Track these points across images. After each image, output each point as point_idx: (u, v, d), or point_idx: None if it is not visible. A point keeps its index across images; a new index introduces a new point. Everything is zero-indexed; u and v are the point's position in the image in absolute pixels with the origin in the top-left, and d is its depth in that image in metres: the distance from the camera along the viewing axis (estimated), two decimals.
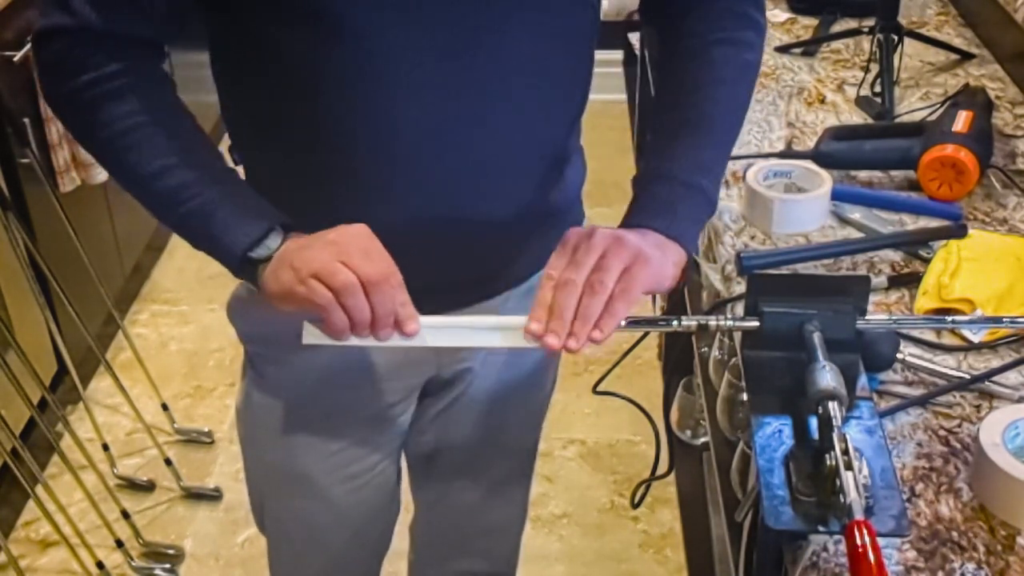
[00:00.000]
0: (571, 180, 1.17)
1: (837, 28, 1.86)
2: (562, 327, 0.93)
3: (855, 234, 1.29)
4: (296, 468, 1.25)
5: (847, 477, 0.80)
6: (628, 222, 1.02)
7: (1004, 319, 1.03)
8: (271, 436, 1.25)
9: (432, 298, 0.98)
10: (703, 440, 1.97)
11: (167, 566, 2.05)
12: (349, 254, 0.93)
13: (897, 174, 1.40)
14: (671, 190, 1.02)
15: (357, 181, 1.04)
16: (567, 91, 1.09)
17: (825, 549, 0.87)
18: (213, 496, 2.23)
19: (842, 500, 0.80)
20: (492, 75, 1.01)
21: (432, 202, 1.05)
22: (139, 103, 0.98)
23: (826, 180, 1.31)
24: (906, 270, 1.21)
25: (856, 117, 1.57)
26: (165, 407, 2.35)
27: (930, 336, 1.11)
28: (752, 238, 1.28)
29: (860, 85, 1.63)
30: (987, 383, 1.04)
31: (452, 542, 1.46)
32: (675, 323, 0.98)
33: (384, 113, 1.00)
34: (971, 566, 0.86)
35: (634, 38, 3.30)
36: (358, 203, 1.04)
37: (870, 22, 1.69)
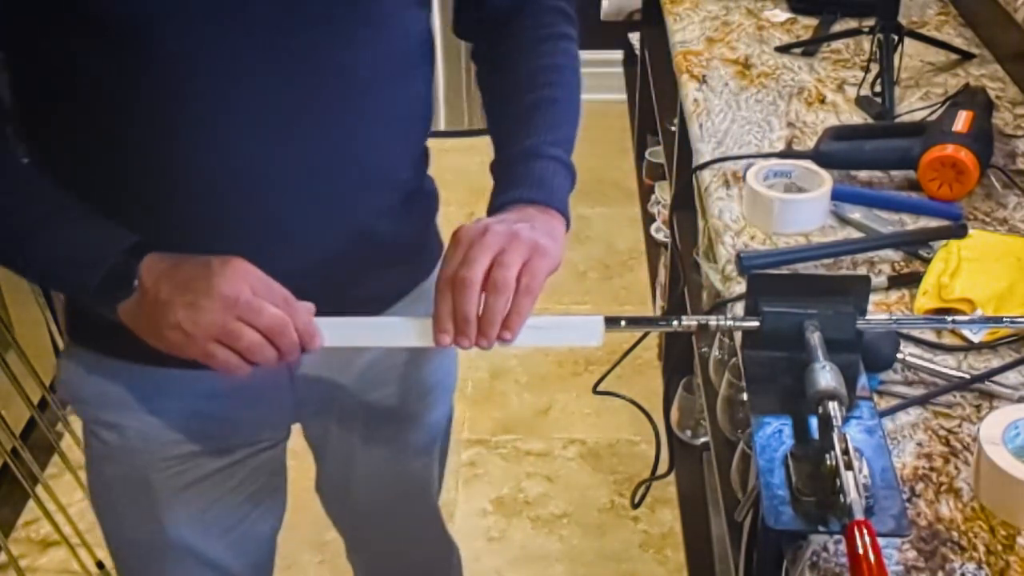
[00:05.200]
0: (419, 213, 1.15)
1: (837, 28, 1.86)
2: (470, 328, 0.91)
3: (855, 234, 1.28)
4: (168, 535, 1.17)
5: (847, 477, 0.80)
6: (505, 197, 1.00)
7: (1004, 319, 1.03)
8: (133, 507, 1.16)
9: None
10: (703, 440, 1.97)
11: None
12: (242, 307, 0.89)
13: (897, 174, 1.40)
14: (541, 164, 1.02)
15: (187, 214, 0.97)
16: (408, 116, 1.07)
17: (825, 549, 0.87)
18: None
19: (842, 500, 0.80)
20: (326, 100, 0.97)
21: (267, 237, 1.00)
22: None
23: (826, 180, 1.31)
24: (906, 270, 1.21)
25: (856, 117, 1.57)
26: None
27: (930, 336, 1.11)
28: (752, 238, 1.28)
29: (860, 85, 1.63)
30: (987, 383, 1.04)
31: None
32: (675, 323, 0.98)
33: (208, 143, 0.94)
34: (971, 566, 0.86)
35: (634, 38, 3.30)
36: (186, 237, 0.96)
37: (870, 22, 1.69)
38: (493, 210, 1.01)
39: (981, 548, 0.87)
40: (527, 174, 1.01)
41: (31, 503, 2.08)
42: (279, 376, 1.13)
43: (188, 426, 1.12)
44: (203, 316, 0.89)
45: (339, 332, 0.97)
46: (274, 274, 0.95)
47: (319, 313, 0.95)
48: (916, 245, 1.24)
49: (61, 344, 2.15)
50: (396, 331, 1.00)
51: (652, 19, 2.62)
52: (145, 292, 0.91)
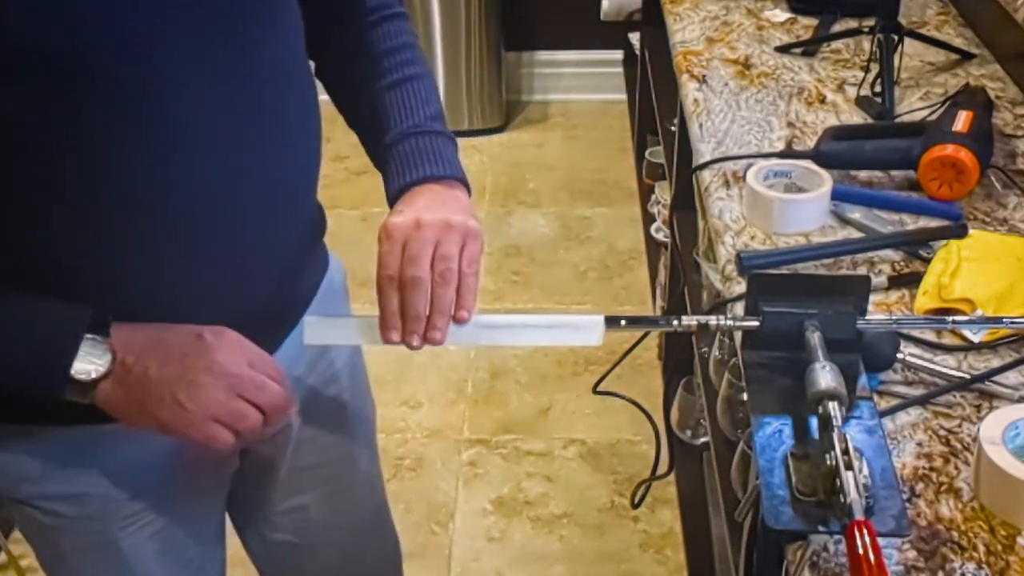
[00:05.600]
0: (320, 212, 1.15)
1: (837, 28, 1.86)
2: (420, 325, 0.91)
3: (855, 234, 1.29)
4: None
5: (847, 477, 0.80)
6: (405, 180, 1.00)
7: (1004, 319, 1.03)
8: (101, 570, 1.12)
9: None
10: (703, 440, 1.97)
11: None
12: (244, 384, 0.88)
13: (897, 174, 1.40)
14: (429, 140, 1.03)
15: (149, 244, 0.91)
16: (315, 104, 1.07)
17: (825, 549, 0.87)
18: None
19: (842, 500, 0.80)
20: (264, 100, 0.95)
21: (231, 252, 0.96)
22: None
23: (826, 180, 1.31)
24: (906, 270, 1.21)
25: (856, 117, 1.57)
26: None
27: (930, 336, 1.11)
28: (752, 238, 1.28)
29: (860, 85, 1.63)
30: (987, 383, 1.04)
31: None
32: (675, 323, 0.98)
33: (166, 165, 0.88)
34: (971, 566, 0.86)
35: (634, 38, 3.30)
36: (149, 273, 0.92)
37: (870, 22, 1.69)
38: (396, 193, 1.00)
39: (981, 548, 0.87)
40: (420, 152, 1.02)
41: None
42: None
43: (144, 478, 1.06)
44: (205, 394, 0.87)
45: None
46: (233, 293, 0.95)
47: (263, 315, 0.94)
48: (916, 245, 1.24)
49: None
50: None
51: (652, 19, 2.62)
52: (128, 370, 0.86)
